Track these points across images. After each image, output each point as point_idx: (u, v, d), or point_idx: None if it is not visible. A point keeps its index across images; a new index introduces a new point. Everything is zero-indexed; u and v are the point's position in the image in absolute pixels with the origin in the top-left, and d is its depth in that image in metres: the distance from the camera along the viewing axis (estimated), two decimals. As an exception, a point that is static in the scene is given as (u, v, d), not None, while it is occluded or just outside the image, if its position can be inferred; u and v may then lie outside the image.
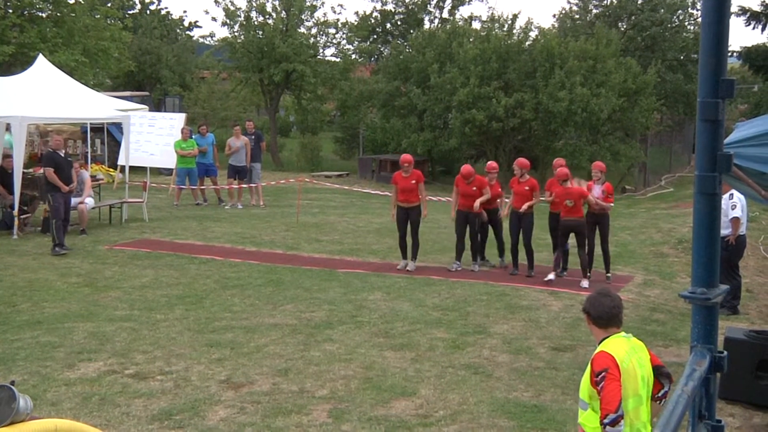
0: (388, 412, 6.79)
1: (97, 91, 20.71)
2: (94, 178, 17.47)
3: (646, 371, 4.31)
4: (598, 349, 4.28)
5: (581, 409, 4.34)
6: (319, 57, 32.70)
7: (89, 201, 15.31)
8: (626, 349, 4.26)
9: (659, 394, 4.41)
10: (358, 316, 9.74)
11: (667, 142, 34.66)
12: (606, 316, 4.33)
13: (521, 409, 6.91)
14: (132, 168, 18.38)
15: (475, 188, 12.28)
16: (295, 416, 6.65)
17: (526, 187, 12.07)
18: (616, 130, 27.51)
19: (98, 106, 17.14)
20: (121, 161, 19.62)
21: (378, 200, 21.31)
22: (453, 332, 9.16)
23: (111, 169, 22.17)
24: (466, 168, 12.40)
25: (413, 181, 12.33)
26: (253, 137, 19.70)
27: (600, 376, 4.12)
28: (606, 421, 4.03)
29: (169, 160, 19.96)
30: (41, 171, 15.97)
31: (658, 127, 32.08)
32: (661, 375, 4.41)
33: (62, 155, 13.88)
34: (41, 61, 17.31)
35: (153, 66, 39.54)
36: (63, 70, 18.73)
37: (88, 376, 7.53)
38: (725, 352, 3.08)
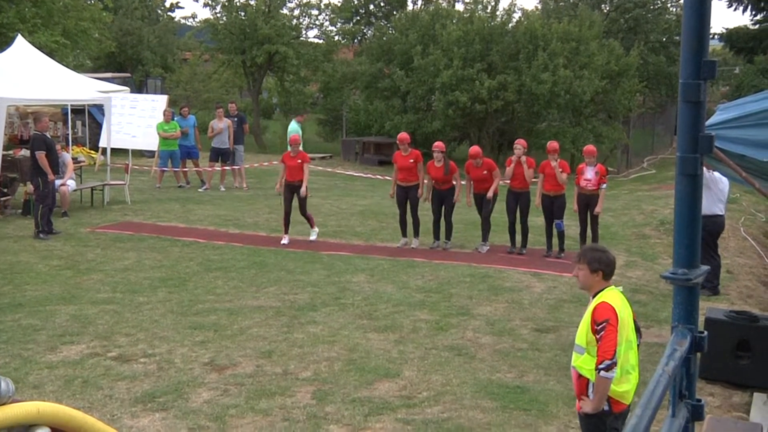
0: (371, 393, 6.82)
1: (78, 72, 20.49)
2: (75, 160, 17.33)
3: (632, 320, 4.85)
4: (599, 300, 4.75)
5: (577, 353, 4.80)
6: (301, 38, 32.50)
7: (71, 183, 15.19)
8: (621, 301, 4.80)
9: None
10: (341, 298, 9.75)
11: (649, 123, 34.80)
12: (612, 269, 4.95)
13: (504, 390, 6.96)
14: (114, 150, 18.24)
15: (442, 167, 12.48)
16: (279, 398, 6.66)
17: (525, 166, 12.24)
18: (599, 112, 27.59)
19: (79, 87, 16.97)
20: (102, 143, 19.44)
21: (362, 182, 21.28)
22: (436, 314, 9.19)
23: (92, 151, 21.99)
24: (438, 144, 12.64)
25: (411, 161, 12.62)
26: (235, 119, 19.58)
27: (601, 326, 4.59)
28: (602, 366, 4.53)
29: (152, 142, 19.80)
30: (21, 153, 15.84)
31: (640, 109, 32.24)
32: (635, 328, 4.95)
33: (50, 137, 13.76)
34: (20, 41, 17.09)
35: (134, 47, 39.11)
36: (43, 51, 18.53)
37: (71, 358, 7.51)
38: (706, 332, 3.11)
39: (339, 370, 7.35)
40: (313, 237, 13.13)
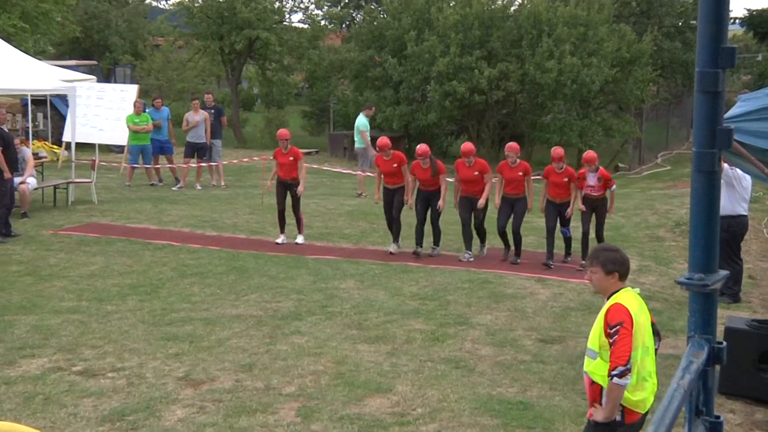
0: (361, 410, 6.82)
1: (39, 59, 20.42)
2: (36, 155, 17.28)
3: (650, 324, 4.94)
4: (613, 302, 4.84)
5: (589, 357, 4.88)
6: (285, 23, 32.48)
7: (31, 181, 15.13)
8: (638, 303, 4.88)
9: None
10: (328, 307, 9.75)
11: (663, 116, 34.90)
12: (628, 269, 5.03)
13: (506, 405, 6.97)
14: (79, 145, 18.19)
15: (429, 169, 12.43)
16: (261, 415, 6.66)
17: (519, 173, 12.13)
18: (609, 103, 27.65)
19: (40, 76, 16.92)
20: (66, 137, 19.41)
21: (350, 180, 21.28)
22: (432, 323, 9.20)
23: (55, 146, 21.93)
24: (421, 148, 12.49)
25: (395, 165, 12.60)
26: (212, 111, 19.58)
27: (614, 329, 4.67)
28: (615, 372, 4.60)
29: (121, 137, 19.78)
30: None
31: (654, 99, 32.29)
32: (652, 332, 5.02)
33: (7, 131, 13.72)
34: (-25, 25, 17.06)
35: (101, 32, 39.03)
36: None
37: (31, 373, 7.48)
38: (724, 343, 3.12)
39: (326, 384, 7.35)
40: (299, 240, 13.20)
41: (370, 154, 18.90)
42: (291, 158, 12.97)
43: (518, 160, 12.20)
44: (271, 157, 13.62)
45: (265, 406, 6.85)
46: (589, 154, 12.05)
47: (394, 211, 12.74)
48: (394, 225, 12.80)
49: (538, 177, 12.92)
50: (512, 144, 12.59)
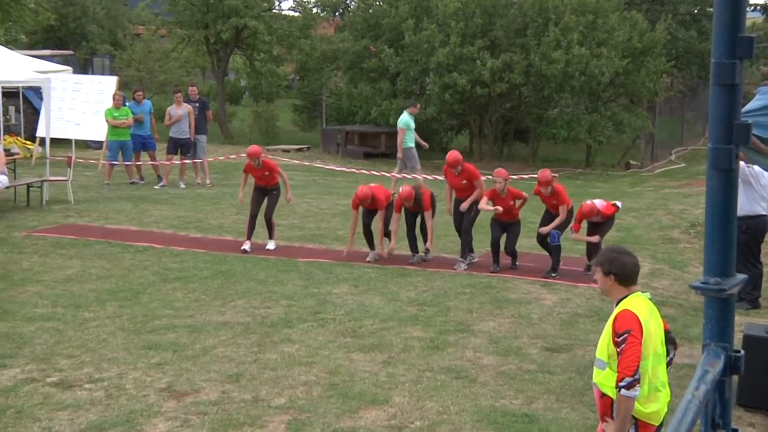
0: (356, 423, 6.82)
1: (11, 49, 20.41)
2: (8, 152, 17.27)
3: (661, 331, 4.92)
4: (621, 308, 4.84)
5: (598, 368, 4.89)
6: (274, 11, 32.50)
7: (3, 179, 15.12)
8: (648, 309, 4.88)
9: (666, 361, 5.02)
10: (321, 313, 9.75)
11: (678, 110, 34.92)
12: (633, 274, 5.00)
13: (510, 418, 6.97)
14: (54, 140, 18.17)
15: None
16: (248, 429, 6.66)
17: (511, 201, 11.98)
18: (620, 96, 27.66)
19: (12, 66, 16.93)
20: (40, 132, 19.38)
21: (344, 178, 21.30)
22: (431, 330, 9.21)
23: (28, 142, 21.92)
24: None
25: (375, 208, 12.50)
26: (197, 105, 19.57)
27: (622, 338, 4.67)
28: (622, 384, 4.60)
29: (99, 132, 19.77)
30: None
31: (667, 92, 32.28)
32: (667, 341, 5.03)
33: None
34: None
35: (77, 20, 38.98)
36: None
37: (2, 385, 7.47)
38: (743, 352, 3.12)
39: (318, 396, 7.35)
40: (270, 246, 13.10)
41: (400, 157, 18.61)
42: (266, 173, 12.92)
43: (507, 189, 11.88)
44: (243, 171, 13.37)
45: (254, 419, 6.84)
46: (588, 208, 11.47)
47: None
48: (371, 235, 12.62)
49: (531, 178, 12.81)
50: (500, 170, 12.25)
